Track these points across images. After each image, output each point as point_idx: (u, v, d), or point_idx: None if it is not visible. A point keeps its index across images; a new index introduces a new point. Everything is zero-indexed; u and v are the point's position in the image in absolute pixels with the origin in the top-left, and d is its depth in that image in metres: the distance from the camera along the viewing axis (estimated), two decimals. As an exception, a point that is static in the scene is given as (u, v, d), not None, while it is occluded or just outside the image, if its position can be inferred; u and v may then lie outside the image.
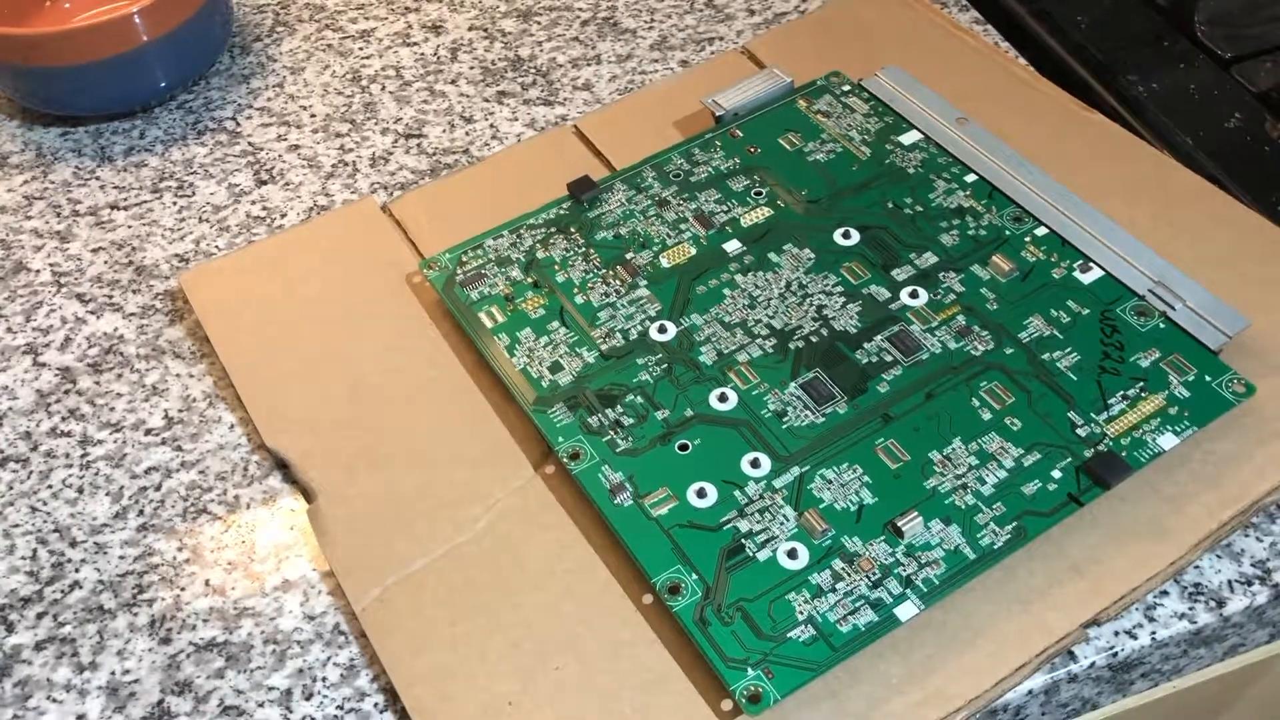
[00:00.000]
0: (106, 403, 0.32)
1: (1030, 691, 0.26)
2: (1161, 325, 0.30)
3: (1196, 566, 0.27)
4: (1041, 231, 0.32)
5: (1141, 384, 0.28)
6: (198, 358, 0.33)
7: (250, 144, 0.39)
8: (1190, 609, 0.27)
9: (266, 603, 0.28)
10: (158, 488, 0.30)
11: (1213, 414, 0.28)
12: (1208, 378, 0.28)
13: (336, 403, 0.31)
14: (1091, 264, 0.31)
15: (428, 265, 0.33)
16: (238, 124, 0.40)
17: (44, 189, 0.39)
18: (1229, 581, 0.27)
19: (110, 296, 0.35)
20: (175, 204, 0.38)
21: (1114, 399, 0.28)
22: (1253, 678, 0.31)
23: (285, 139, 0.40)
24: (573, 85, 0.40)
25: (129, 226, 0.37)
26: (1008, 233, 0.32)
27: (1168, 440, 0.27)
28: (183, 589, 0.28)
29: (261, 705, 0.26)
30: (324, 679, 0.27)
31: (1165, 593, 0.27)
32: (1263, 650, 0.30)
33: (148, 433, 0.32)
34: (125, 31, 0.38)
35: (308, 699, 0.26)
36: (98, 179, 0.39)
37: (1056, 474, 0.27)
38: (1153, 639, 0.26)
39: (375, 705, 0.26)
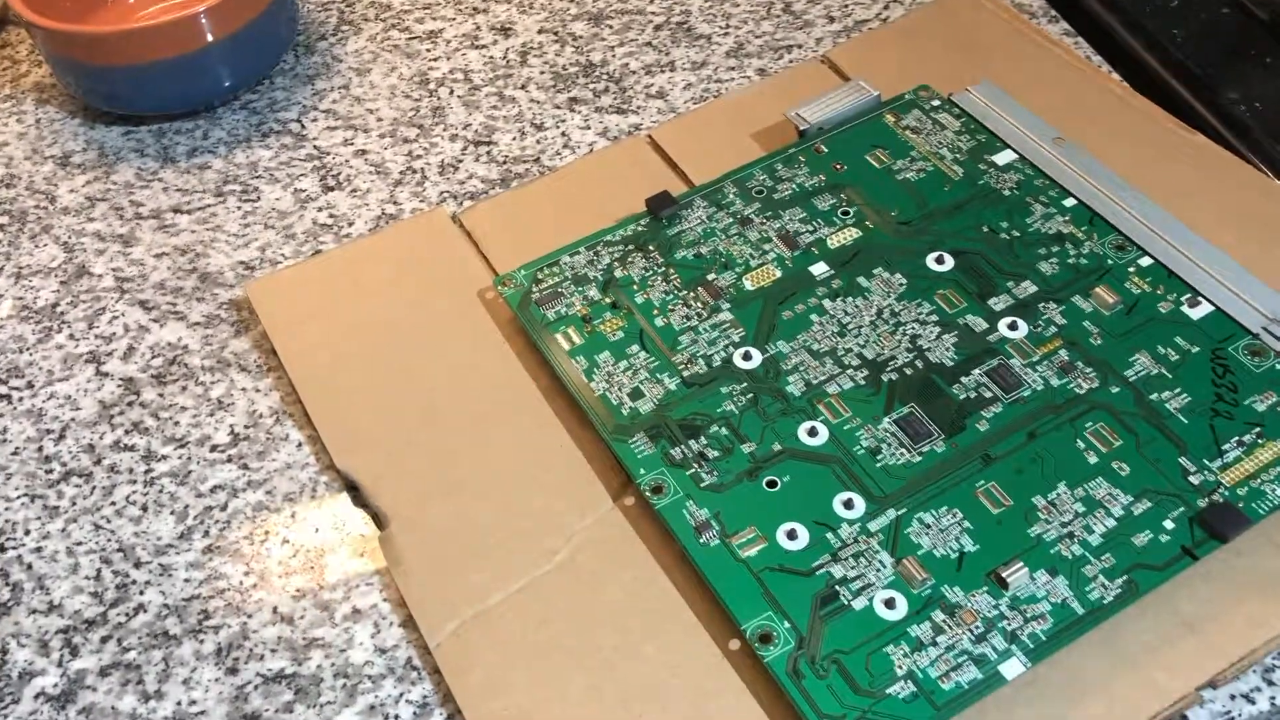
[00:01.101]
0: (171, 416, 0.31)
1: (1139, 755, 0.25)
2: (1278, 366, 0.28)
3: (1315, 626, 0.26)
4: (1146, 261, 0.31)
5: (1258, 429, 0.27)
6: (264, 371, 0.32)
7: (316, 148, 0.38)
8: (1309, 672, 0.25)
9: (336, 633, 0.27)
10: (223, 507, 0.29)
11: (1335, 464, 0.26)
12: (1328, 424, 0.27)
13: (407, 423, 0.30)
14: (1200, 298, 0.30)
15: (502, 282, 0.32)
16: (303, 126, 0.39)
17: (106, 190, 0.38)
18: (1350, 643, 0.26)
19: (174, 304, 0.34)
20: (239, 208, 0.37)
21: (1228, 444, 0.27)
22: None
23: (352, 143, 0.38)
24: (646, 93, 0.39)
25: (192, 231, 0.36)
26: (1110, 262, 0.31)
27: (1288, 491, 0.26)
28: (250, 616, 0.27)
29: (332, 743, 0.25)
30: (396, 717, 0.26)
31: (1282, 653, 0.26)
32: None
33: (213, 449, 0.31)
34: (190, 30, 0.37)
35: (380, 738, 0.25)
36: (160, 180, 0.38)
37: (1169, 524, 0.26)
38: (1273, 704, 0.25)
39: (450, 747, 0.25)
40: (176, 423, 0.31)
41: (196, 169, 0.38)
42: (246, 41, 0.39)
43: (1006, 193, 0.33)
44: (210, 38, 0.38)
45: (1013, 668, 0.24)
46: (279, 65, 0.41)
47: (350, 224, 0.36)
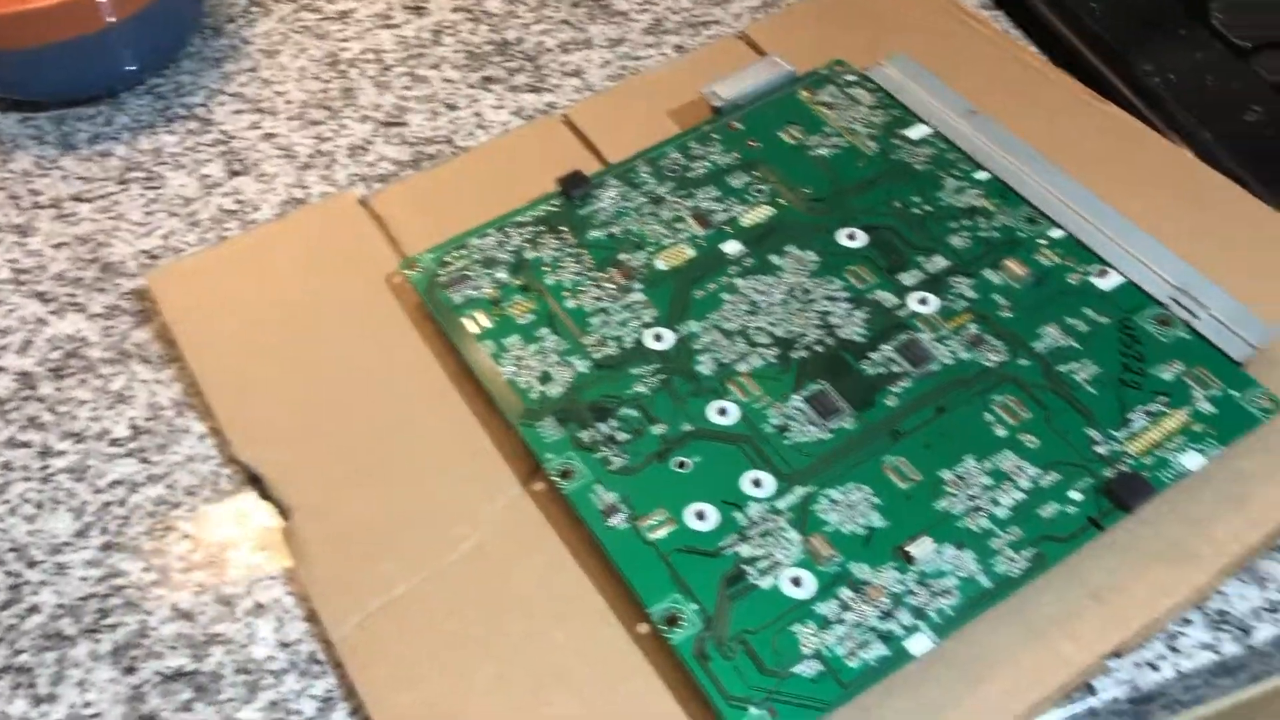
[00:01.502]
0: (69, 411, 0.30)
1: (1047, 727, 0.25)
2: (1185, 335, 0.28)
3: (1221, 593, 0.26)
4: (1057, 233, 0.30)
5: (1164, 398, 0.27)
6: (166, 362, 0.31)
7: (223, 132, 0.37)
8: (1215, 639, 0.25)
9: (238, 629, 0.26)
10: (122, 503, 0.29)
11: (1238, 431, 0.26)
12: (1233, 392, 0.27)
13: (312, 412, 0.29)
14: (1110, 269, 0.30)
15: (408, 265, 0.31)
16: (210, 110, 0.38)
17: (2, 179, 0.36)
18: (1256, 609, 0.26)
19: (73, 296, 0.33)
20: (143, 196, 0.36)
21: (1135, 414, 0.27)
22: (1273, 700, 0.30)
23: (259, 127, 0.37)
24: (562, 71, 0.38)
25: (94, 220, 0.35)
26: (1021, 235, 0.31)
27: (1192, 460, 0.26)
28: (149, 613, 0.27)
29: (232, 741, 0.25)
30: (299, 712, 0.25)
31: (1189, 621, 0.26)
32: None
33: (112, 443, 0.30)
34: (89, 12, 0.36)
35: (281, 734, 0.25)
36: (60, 169, 0.37)
37: (1076, 495, 0.26)
38: (1176, 671, 0.25)
39: (354, 742, 0.25)
40: (74, 417, 0.30)
41: (98, 156, 0.37)
42: (150, 23, 0.38)
43: (919, 167, 0.32)
44: (111, 19, 0.36)
45: (920, 644, 0.24)
46: (185, 48, 0.40)
47: (256, 209, 0.35)
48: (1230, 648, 0.25)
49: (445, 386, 0.30)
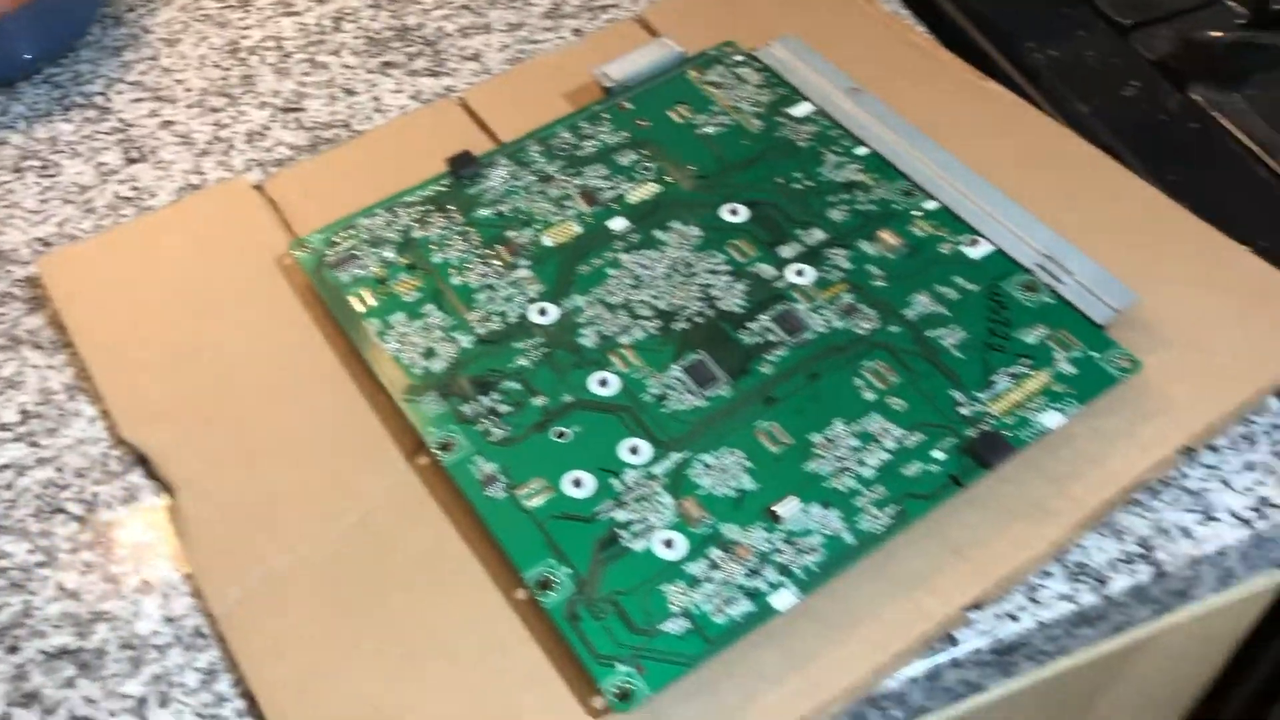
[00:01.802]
0: (-42, 397, 0.31)
1: (912, 678, 0.26)
2: (1049, 300, 0.29)
3: (1080, 546, 0.27)
4: (931, 205, 0.31)
5: (1027, 361, 0.28)
6: (58, 348, 0.32)
7: (121, 120, 0.38)
8: (1073, 590, 0.26)
9: (124, 606, 0.27)
10: (9, 487, 0.29)
11: (1097, 390, 0.28)
12: (1093, 353, 0.28)
13: (200, 394, 0.29)
14: (981, 238, 0.31)
15: (297, 246, 0.31)
16: (108, 99, 0.38)
17: (-103, 169, 0.36)
18: (1112, 560, 0.27)
19: (-35, 284, 0.33)
20: (38, 184, 0.36)
21: (998, 376, 0.28)
22: (1136, 654, 0.31)
23: (158, 115, 0.38)
24: (461, 55, 0.39)
25: (-12, 209, 0.35)
26: (897, 207, 0.31)
27: (1052, 418, 0.27)
28: (34, 594, 0.27)
29: (115, 714, 0.25)
30: (182, 685, 0.25)
31: (1048, 573, 0.27)
32: (1148, 627, 0.30)
33: (1, 429, 0.30)
34: (-19, 0, 0.36)
35: (164, 706, 0.25)
36: (-45, 158, 0.37)
37: (939, 455, 0.26)
38: (1036, 621, 0.26)
39: (235, 710, 0.25)
40: (-36, 403, 0.30)
41: (-6, 145, 0.37)
42: (46, 13, 0.38)
43: (802, 144, 0.33)
44: (6, 7, 0.36)
45: (784, 599, 0.24)
46: (84, 38, 0.40)
47: (153, 195, 0.35)
48: (1088, 598, 0.26)
49: (333, 365, 0.30)
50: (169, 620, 0.26)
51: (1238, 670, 0.35)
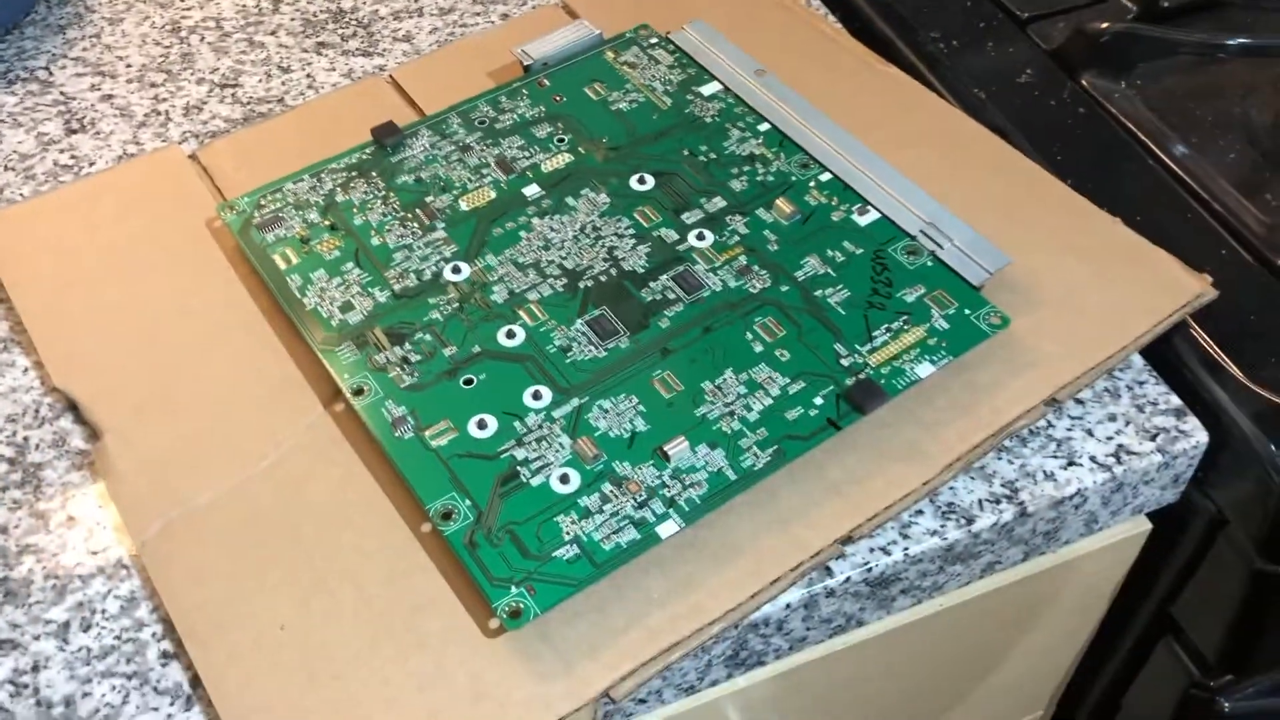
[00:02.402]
0: (-105, 349, 0.32)
1: (789, 606, 0.27)
2: (929, 263, 0.31)
3: (951, 488, 0.29)
4: (825, 177, 0.33)
5: (905, 317, 0.30)
6: (-6, 304, 0.33)
7: (62, 93, 0.39)
8: (942, 526, 0.29)
9: (50, 539, 0.28)
10: (-57, 431, 0.30)
11: (968, 344, 0.30)
12: (967, 311, 0.30)
13: (130, 346, 0.31)
14: (870, 207, 0.33)
15: (226, 209, 0.33)
16: (50, 74, 0.40)
17: None
18: (980, 500, 0.29)
19: (-95, 244, 0.34)
20: (-20, 152, 0.37)
21: (878, 331, 0.30)
22: (1014, 597, 0.33)
23: (99, 89, 0.39)
24: (393, 37, 0.41)
25: (-70, 175, 0.36)
26: (794, 179, 0.33)
27: (925, 369, 0.29)
28: (-36, 529, 0.28)
29: (38, 638, 0.26)
30: (103, 611, 0.27)
31: (920, 512, 0.29)
32: (1021, 570, 0.32)
33: (-63, 378, 0.31)
34: (-74, -24, 0.37)
35: (85, 630, 0.27)
36: (-101, 127, 0.38)
37: (819, 401, 0.28)
38: (906, 554, 0.28)
39: (153, 634, 0.27)
40: (-99, 355, 0.32)
41: (-62, 115, 0.38)
42: (-10, -10, 0.39)
43: (709, 120, 0.35)
44: (-51, -15, 0.38)
45: (668, 528, 0.26)
46: (30, 16, 0.42)
47: (91, 164, 0.37)
48: (955, 534, 0.28)
49: (257, 320, 0.32)
50: (93, 553, 0.28)
51: (1118, 621, 0.37)
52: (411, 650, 0.26)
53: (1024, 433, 0.30)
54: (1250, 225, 0.35)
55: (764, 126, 0.35)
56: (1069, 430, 0.30)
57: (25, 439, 0.30)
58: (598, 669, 0.25)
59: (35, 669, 0.26)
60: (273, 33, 0.41)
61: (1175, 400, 0.31)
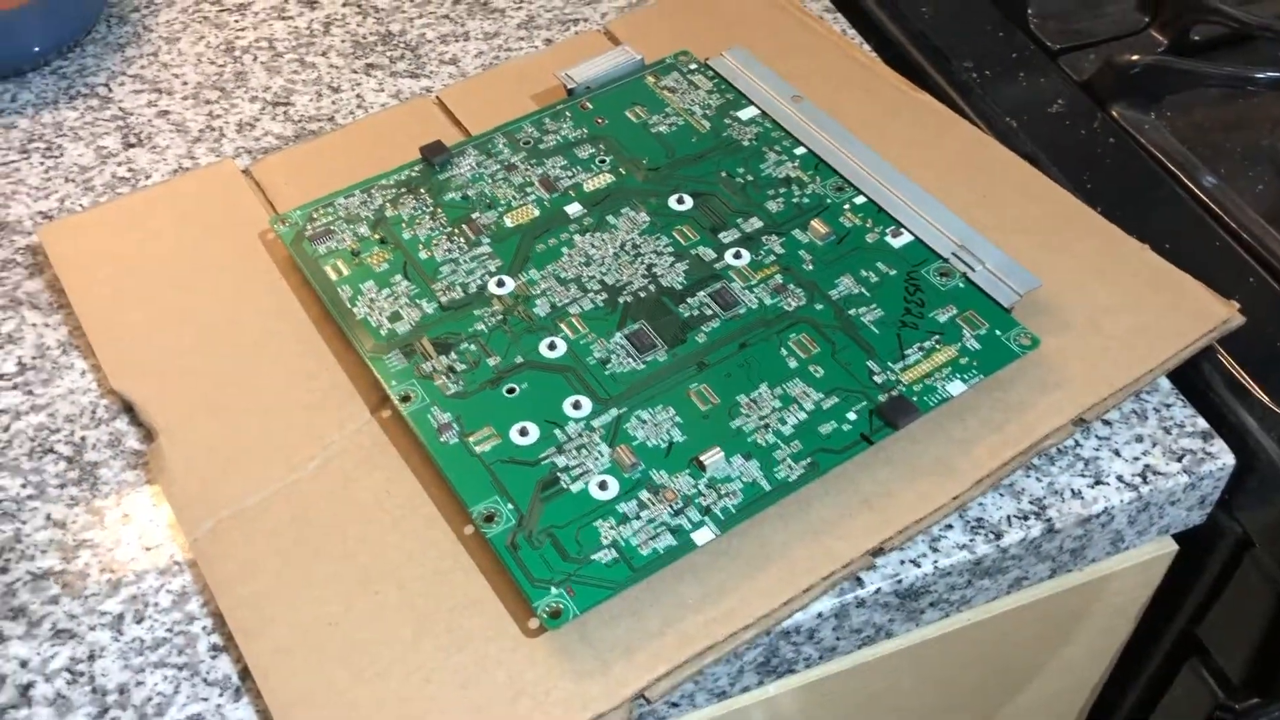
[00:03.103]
0: (-40, 350, 0.33)
1: (820, 614, 0.28)
2: (961, 285, 0.32)
3: (980, 503, 0.30)
4: (860, 200, 0.34)
5: (937, 337, 0.31)
6: (54, 309, 0.34)
7: (121, 109, 0.40)
8: (971, 540, 0.29)
9: (106, 535, 0.29)
10: (5, 429, 0.31)
11: (999, 364, 0.30)
12: (998, 331, 0.31)
13: (184, 351, 0.32)
14: (903, 230, 0.33)
15: (278, 221, 0.34)
16: (110, 90, 0.41)
17: (-90, 147, 0.39)
18: (1008, 516, 0.30)
19: (-30, 250, 0.36)
20: (42, 164, 0.38)
21: (911, 350, 0.31)
22: (1040, 614, 0.33)
23: (155, 105, 0.41)
24: (439, 60, 0.42)
25: (-6, 185, 0.38)
26: (829, 201, 0.34)
27: (956, 387, 0.30)
28: (24, 523, 0.29)
29: (94, 628, 0.27)
30: (156, 604, 0.28)
31: (950, 526, 0.29)
32: (1048, 586, 0.32)
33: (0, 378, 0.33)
34: (-4, -5, 0.39)
35: (139, 622, 0.28)
36: (-34, 139, 0.39)
37: (852, 416, 0.29)
38: (935, 567, 0.29)
39: (203, 628, 0.27)
40: (-35, 356, 0.33)
41: (2, 129, 0.40)
42: (55, 7, 0.41)
43: (746, 143, 0.36)
44: (18, 2, 0.39)
45: (704, 535, 0.27)
46: (91, 34, 0.43)
47: (148, 177, 0.38)
48: (984, 548, 0.29)
49: (307, 328, 0.33)
50: (146, 549, 0.29)
51: (1144, 642, 0.38)
52: (453, 648, 0.26)
53: (1052, 451, 0.31)
54: (1278, 254, 0.35)
55: (800, 150, 0.36)
56: (1096, 450, 0.31)
57: (83, 438, 0.31)
58: (634, 670, 0.26)
59: (91, 658, 0.27)
60: (323, 54, 0.42)
61: (1202, 423, 0.31)
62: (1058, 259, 0.34)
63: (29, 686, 0.26)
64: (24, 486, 0.30)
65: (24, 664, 0.27)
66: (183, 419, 0.31)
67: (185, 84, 0.41)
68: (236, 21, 0.44)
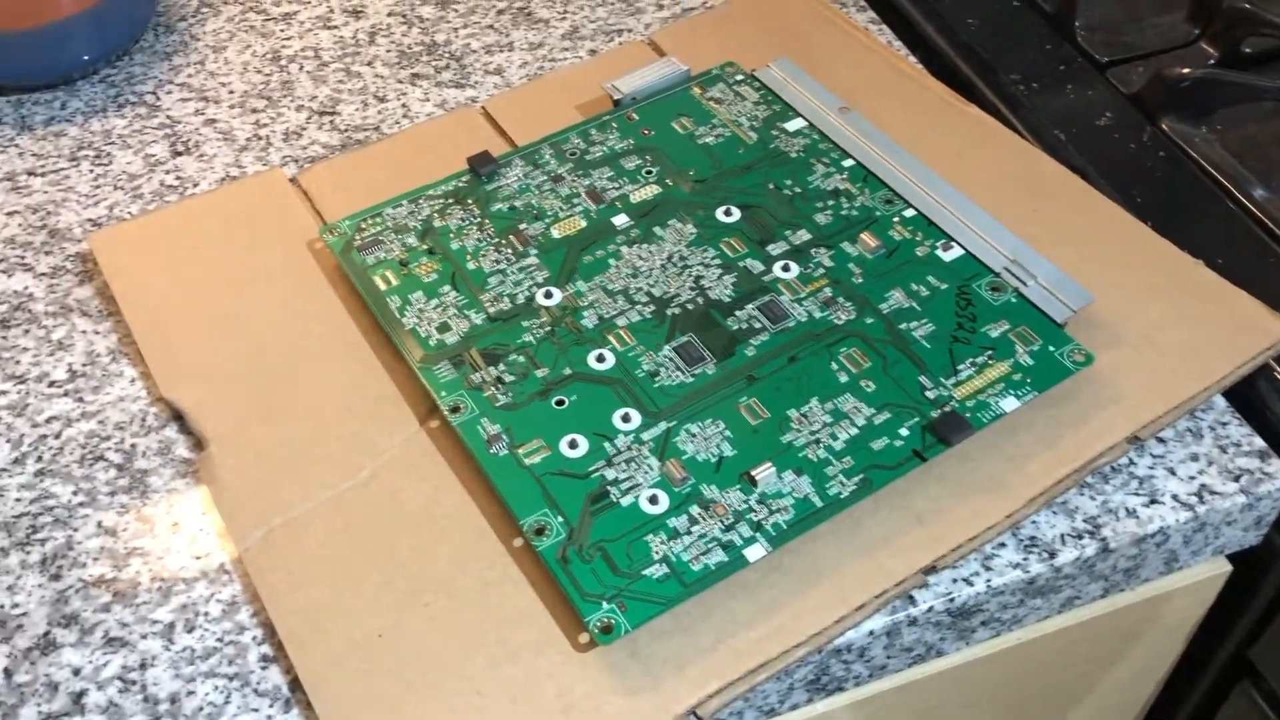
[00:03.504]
0: (12, 356, 0.33)
1: (872, 632, 0.28)
2: (1013, 299, 0.32)
3: (1033, 521, 0.29)
4: (910, 213, 0.34)
5: (990, 352, 0.31)
6: (105, 316, 0.34)
7: (168, 117, 0.41)
8: (1024, 559, 0.29)
9: (156, 543, 0.29)
10: (57, 436, 0.31)
11: (1053, 380, 0.30)
12: (1051, 347, 0.31)
13: (233, 359, 0.32)
14: (953, 243, 0.33)
15: (327, 231, 0.34)
16: (157, 98, 0.42)
17: (-38, 155, 0.40)
18: (1062, 535, 0.29)
19: (22, 257, 0.36)
20: (92, 172, 0.39)
21: (963, 366, 0.30)
22: (1091, 633, 0.33)
23: (203, 113, 0.41)
24: (484, 70, 0.42)
25: (45, 192, 0.38)
26: (878, 213, 0.34)
27: (1009, 403, 0.29)
28: (75, 530, 0.30)
29: (145, 637, 0.28)
30: (206, 613, 0.28)
31: (1003, 544, 0.29)
32: (1100, 605, 0.32)
33: (50, 385, 0.33)
34: (49, 3, 0.39)
35: (189, 632, 0.28)
36: (16, 146, 0.40)
37: (904, 432, 0.29)
38: (988, 586, 0.28)
39: (253, 638, 0.27)
40: (18, 362, 0.33)
41: (52, 136, 0.40)
42: (104, 16, 0.41)
43: (793, 155, 0.36)
44: (68, 11, 0.40)
45: (755, 552, 0.27)
46: (139, 43, 0.44)
47: (195, 185, 0.38)
48: (1037, 567, 0.29)
49: (356, 338, 0.33)
50: (196, 558, 0.29)
51: (1195, 662, 0.37)
52: (503, 661, 0.26)
53: (1106, 469, 0.30)
54: (1334, 270, 0.35)
55: (848, 162, 0.36)
56: (1151, 468, 0.30)
57: (133, 446, 0.31)
58: (685, 686, 0.26)
59: (143, 666, 0.27)
60: (369, 63, 0.43)
61: (1259, 442, 0.31)
62: (1110, 274, 0.33)
63: (81, 694, 0.27)
64: (75, 494, 0.30)
65: (76, 672, 0.27)
66: (233, 428, 0.31)
67: (232, 92, 0.42)
68: (282, 30, 0.44)
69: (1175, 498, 0.30)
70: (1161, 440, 0.31)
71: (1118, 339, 0.32)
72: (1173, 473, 0.30)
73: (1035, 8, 0.45)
